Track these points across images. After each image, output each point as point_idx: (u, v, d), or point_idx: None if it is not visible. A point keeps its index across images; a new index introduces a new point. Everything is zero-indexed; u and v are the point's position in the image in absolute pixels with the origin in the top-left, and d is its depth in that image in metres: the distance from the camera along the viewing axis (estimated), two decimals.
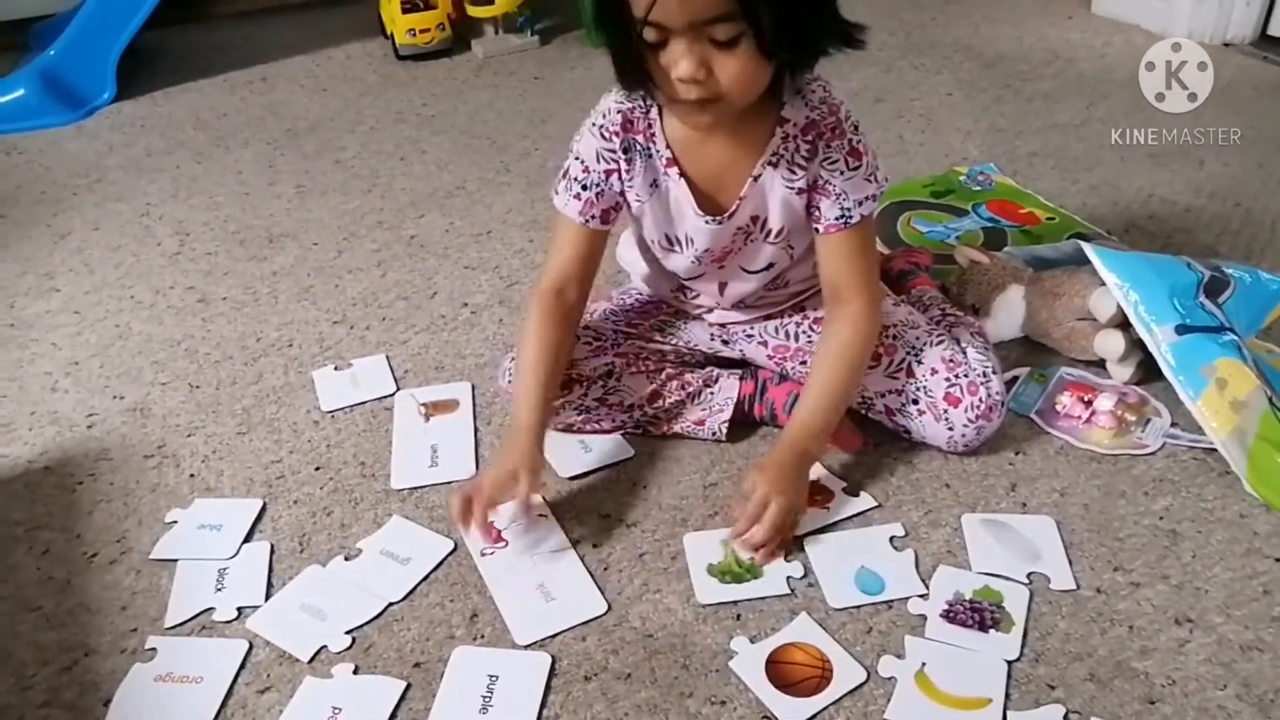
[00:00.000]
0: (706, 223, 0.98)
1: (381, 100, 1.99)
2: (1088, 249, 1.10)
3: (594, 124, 0.98)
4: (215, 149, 1.84)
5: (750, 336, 1.12)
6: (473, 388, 1.18)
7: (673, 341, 1.13)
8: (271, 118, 1.95)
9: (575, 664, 0.85)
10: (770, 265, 1.03)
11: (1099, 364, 1.15)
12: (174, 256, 1.50)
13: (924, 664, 0.84)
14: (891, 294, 1.13)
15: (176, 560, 0.96)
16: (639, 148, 0.98)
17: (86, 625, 0.90)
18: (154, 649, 0.88)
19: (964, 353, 1.04)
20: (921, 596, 0.90)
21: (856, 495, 1.01)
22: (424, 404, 1.15)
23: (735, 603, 0.90)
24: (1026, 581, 0.91)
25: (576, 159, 0.99)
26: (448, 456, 1.07)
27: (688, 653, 0.86)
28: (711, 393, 1.09)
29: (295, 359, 1.25)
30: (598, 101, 0.99)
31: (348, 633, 0.89)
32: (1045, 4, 2.26)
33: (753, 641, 0.86)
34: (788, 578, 0.92)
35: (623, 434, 1.09)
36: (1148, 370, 1.10)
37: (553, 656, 0.86)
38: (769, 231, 1.00)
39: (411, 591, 0.93)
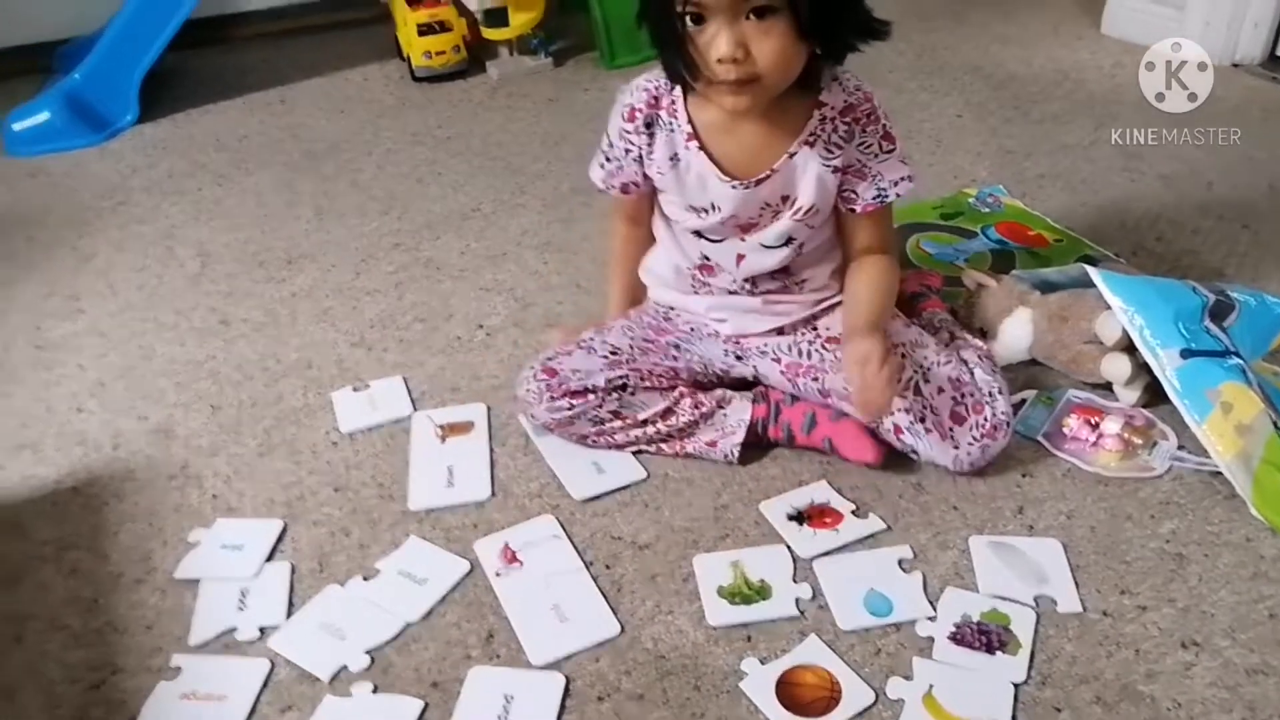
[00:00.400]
0: (734, 188, 1.03)
1: (398, 122, 2.02)
2: (1093, 273, 1.12)
3: (622, 103, 1.07)
4: (235, 171, 1.87)
5: (764, 353, 1.14)
6: (488, 409, 1.20)
7: (686, 359, 1.15)
8: (290, 139, 1.98)
9: (589, 684, 0.87)
10: (789, 240, 1.07)
11: (1106, 387, 1.16)
12: (196, 278, 1.53)
13: (931, 686, 0.85)
14: (902, 315, 1.15)
15: (200, 580, 0.99)
16: (661, 122, 1.04)
17: (114, 644, 0.93)
18: (179, 667, 0.90)
19: (971, 373, 1.06)
20: (929, 619, 0.92)
21: (865, 518, 1.02)
22: (440, 425, 1.17)
23: (746, 624, 0.92)
24: (1033, 604, 0.92)
25: (606, 134, 1.09)
26: (463, 477, 1.10)
27: (699, 674, 0.88)
28: (724, 414, 1.11)
29: (314, 380, 1.28)
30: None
31: (367, 652, 0.91)
32: (1055, 25, 2.28)
33: (763, 663, 0.88)
34: (797, 599, 0.94)
35: (635, 451, 1.11)
36: (1154, 393, 1.12)
37: (567, 677, 0.88)
38: (796, 208, 1.04)
39: (429, 612, 0.95)
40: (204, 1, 2.06)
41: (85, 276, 1.56)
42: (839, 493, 1.05)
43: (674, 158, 1.05)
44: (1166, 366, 1.05)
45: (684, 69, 0.94)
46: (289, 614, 0.95)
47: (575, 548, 1.01)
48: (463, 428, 1.17)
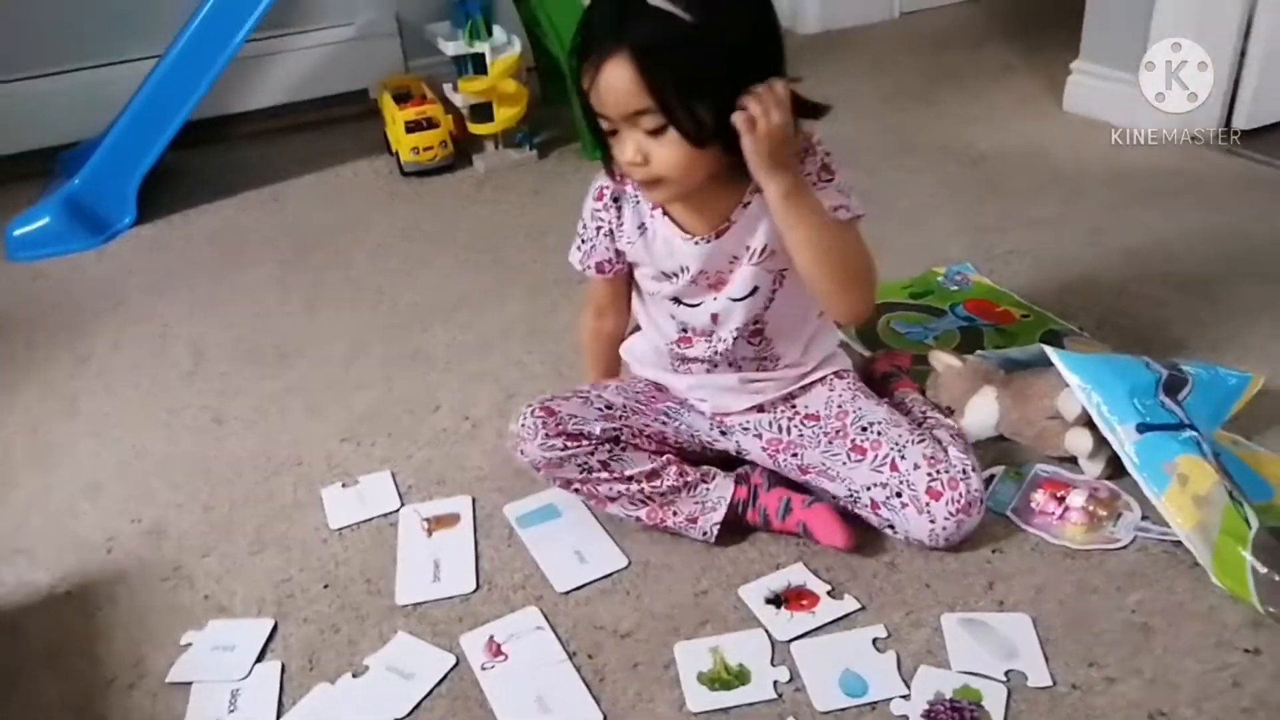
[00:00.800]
0: (696, 244, 1.08)
1: (388, 216, 2.09)
2: (1050, 353, 1.16)
3: (592, 186, 1.15)
4: (230, 267, 1.92)
5: (746, 429, 1.18)
6: (473, 501, 1.23)
7: (675, 425, 1.20)
8: (283, 235, 2.04)
9: None
10: (755, 290, 1.10)
11: (1072, 460, 1.20)
12: (189, 376, 1.58)
13: None
14: (875, 395, 1.19)
15: (191, 683, 1.01)
16: (627, 196, 1.12)
17: None
18: None
19: (945, 451, 1.10)
20: (903, 697, 0.94)
21: (841, 599, 1.05)
22: (426, 519, 1.20)
23: (726, 709, 0.94)
24: (1005, 679, 0.95)
25: (581, 219, 1.16)
26: (449, 571, 1.12)
27: None
28: (707, 488, 1.14)
29: (304, 476, 1.31)
30: None
31: None
32: (1020, 104, 2.36)
33: None
34: (775, 682, 0.96)
35: (617, 508, 1.14)
36: (1119, 466, 1.15)
37: None
38: (752, 252, 1.08)
39: (416, 707, 0.97)
40: (200, 103, 2.14)
41: (82, 378, 1.60)
42: (815, 574, 1.08)
43: (641, 226, 1.12)
44: (1124, 441, 1.09)
45: (611, 166, 1.06)
46: (279, 714, 0.97)
47: (559, 638, 1.03)
48: (448, 520, 1.20)
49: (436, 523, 1.20)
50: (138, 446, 1.41)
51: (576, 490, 1.16)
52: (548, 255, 1.85)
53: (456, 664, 1.01)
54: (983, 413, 1.24)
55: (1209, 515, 1.03)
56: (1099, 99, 2.20)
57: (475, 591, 1.10)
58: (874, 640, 1.00)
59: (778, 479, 1.16)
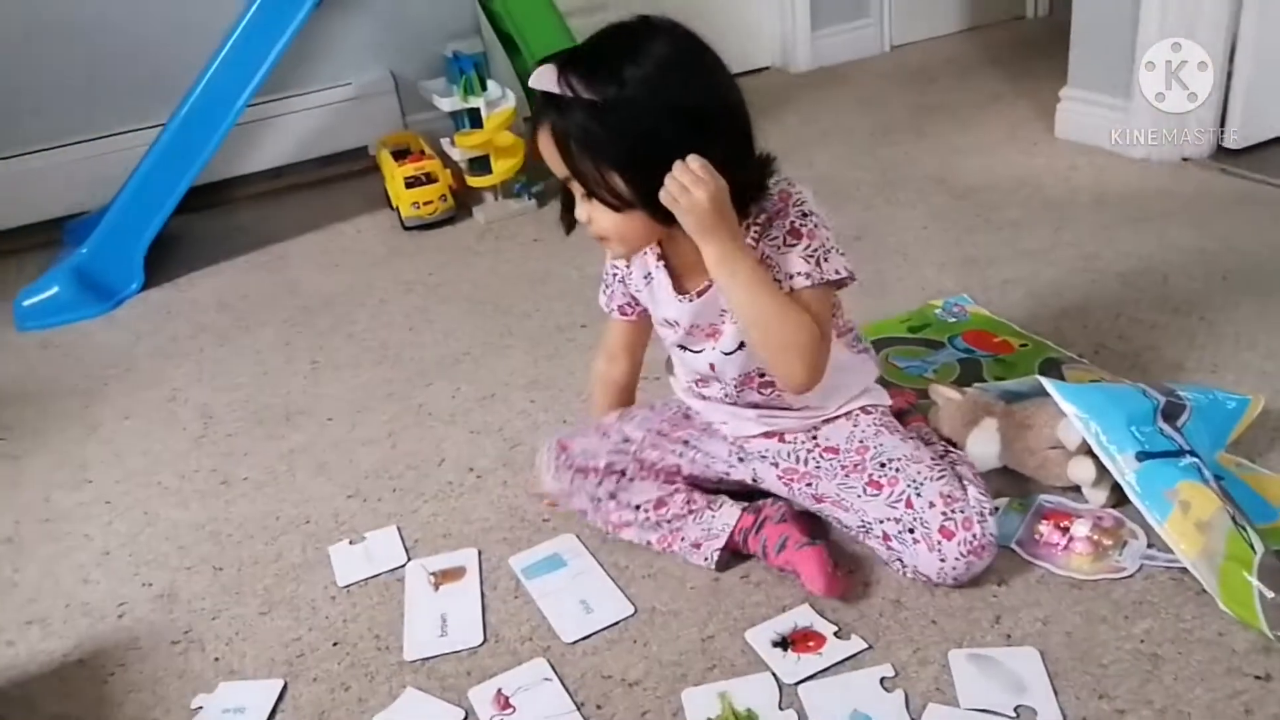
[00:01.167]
0: (680, 301, 1.13)
1: (390, 271, 2.12)
2: (1046, 383, 1.16)
3: None
4: (236, 330, 1.95)
5: (764, 457, 1.20)
6: (479, 553, 1.24)
7: (691, 456, 1.22)
8: (287, 295, 2.07)
9: None
10: (741, 345, 1.12)
11: (1076, 489, 1.20)
12: (198, 440, 1.59)
13: None
14: (902, 430, 1.19)
15: None
16: None
17: None
18: None
19: (965, 490, 1.10)
20: None
21: (847, 639, 1.05)
22: (433, 573, 1.21)
23: None
24: (1014, 715, 0.94)
25: (605, 262, 1.22)
26: (456, 625, 1.13)
27: None
28: (712, 515, 1.17)
29: (312, 535, 1.32)
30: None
31: None
32: (1011, 133, 2.38)
33: None
34: None
35: (628, 534, 1.20)
36: (1122, 493, 1.15)
37: None
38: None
39: None
40: (203, 168, 2.18)
41: (92, 445, 1.62)
42: (821, 615, 1.08)
43: (647, 276, 1.17)
44: (1125, 470, 1.09)
45: (568, 225, 1.12)
46: None
47: (566, 689, 1.03)
48: (455, 574, 1.21)
49: (443, 576, 1.20)
50: (149, 512, 1.43)
51: (589, 519, 1.22)
52: (550, 303, 1.87)
53: (465, 718, 1.01)
54: (984, 445, 1.24)
55: (1213, 541, 1.03)
56: (1089, 125, 2.23)
57: (483, 644, 1.10)
58: (882, 680, 1.00)
59: (791, 514, 1.17)
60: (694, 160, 0.97)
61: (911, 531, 1.08)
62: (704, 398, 1.22)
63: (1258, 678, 0.95)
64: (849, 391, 1.20)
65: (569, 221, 1.11)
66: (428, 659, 1.09)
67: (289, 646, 1.14)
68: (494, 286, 1.98)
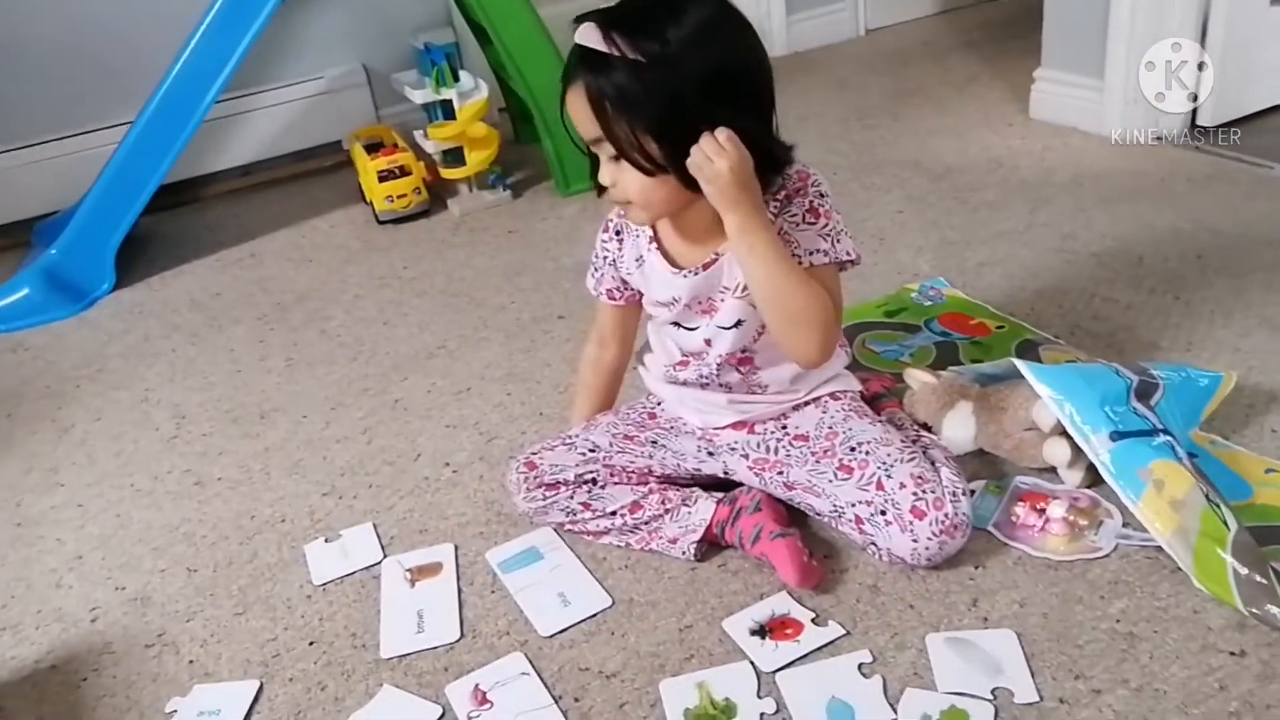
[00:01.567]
0: (685, 276, 1.12)
1: (364, 266, 2.10)
2: (1020, 365, 1.16)
3: (604, 218, 1.22)
4: (209, 329, 1.93)
5: (734, 449, 1.20)
6: (455, 549, 1.23)
7: (661, 455, 1.22)
8: (261, 293, 2.05)
9: None
10: (740, 322, 1.12)
11: (1052, 471, 1.20)
12: (171, 440, 1.58)
13: None
14: (872, 415, 1.19)
15: None
16: (629, 229, 1.18)
17: None
18: None
19: (937, 472, 1.10)
20: None
21: (825, 625, 1.05)
22: (409, 569, 1.20)
23: None
24: (991, 697, 0.94)
25: (595, 246, 1.23)
26: (432, 621, 1.12)
27: None
28: (689, 511, 1.16)
29: (288, 534, 1.31)
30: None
31: None
32: (986, 114, 2.38)
33: None
34: (761, 715, 0.96)
35: (607, 540, 1.19)
36: (1098, 473, 1.15)
37: None
38: (737, 286, 1.11)
39: None
40: (173, 166, 2.15)
41: (64, 448, 1.60)
42: (799, 602, 1.08)
43: (639, 259, 1.17)
44: (1099, 450, 1.09)
45: (599, 188, 1.09)
46: None
47: (544, 683, 1.02)
48: (431, 570, 1.20)
49: (419, 573, 1.20)
50: (121, 515, 1.41)
51: (568, 530, 1.20)
52: (526, 295, 1.86)
53: (443, 715, 1.00)
54: (959, 428, 1.24)
55: (1187, 519, 1.03)
56: (1063, 105, 2.22)
57: (459, 640, 1.10)
58: (859, 666, 0.99)
59: (767, 503, 1.16)
60: (721, 131, 0.97)
61: (883, 513, 1.08)
62: (679, 381, 1.21)
63: (1232, 654, 0.95)
64: (819, 377, 1.19)
65: (602, 185, 1.08)
66: (404, 656, 1.09)
67: (264, 647, 1.13)
68: (469, 279, 1.97)
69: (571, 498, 1.18)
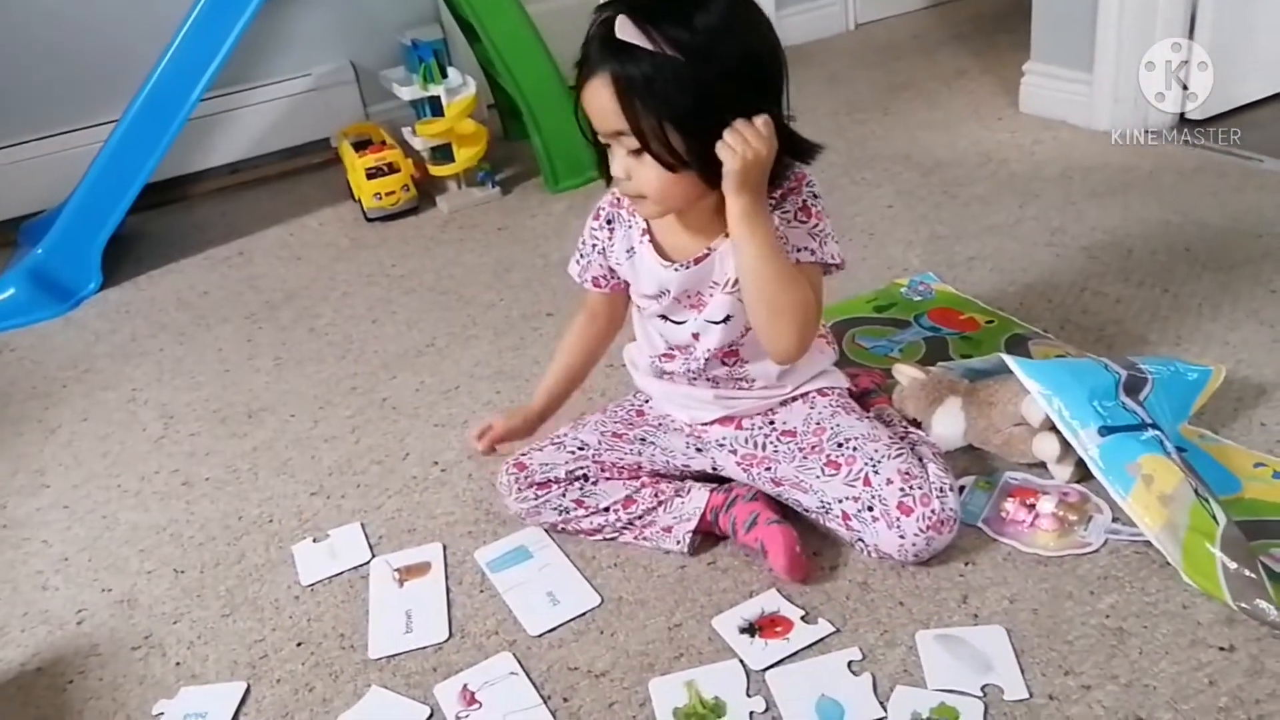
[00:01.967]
0: (675, 270, 1.11)
1: (353, 264, 2.09)
2: (1008, 360, 1.16)
3: (594, 206, 1.20)
4: (197, 328, 1.92)
5: (722, 445, 1.20)
6: (444, 548, 1.22)
7: (650, 452, 1.22)
8: (250, 291, 2.04)
9: None
10: (728, 317, 1.12)
11: (1041, 466, 1.20)
12: (159, 441, 1.57)
13: None
14: (859, 411, 1.19)
15: None
16: (621, 219, 1.17)
17: None
18: None
19: (925, 468, 1.10)
20: None
21: (815, 623, 1.04)
22: (397, 569, 1.19)
23: None
24: (981, 694, 0.94)
25: (582, 235, 1.21)
26: (421, 621, 1.11)
27: None
28: (682, 501, 1.17)
29: (275, 534, 1.30)
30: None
31: None
32: (975, 108, 2.38)
33: None
34: (750, 713, 0.95)
35: (601, 537, 1.18)
36: (1087, 468, 1.15)
37: None
38: (728, 282, 1.10)
39: None
40: (160, 164, 2.14)
41: (50, 449, 1.59)
42: (788, 600, 1.07)
43: (630, 250, 1.16)
44: (1088, 445, 1.09)
45: (608, 179, 1.08)
46: None
47: (533, 683, 1.02)
48: (420, 569, 1.19)
49: (407, 572, 1.19)
50: (108, 516, 1.40)
51: (561, 529, 1.19)
52: (515, 292, 1.85)
53: (431, 715, 1.00)
54: (949, 423, 1.24)
55: (1176, 514, 1.03)
56: (1053, 99, 2.22)
57: (448, 640, 1.09)
58: (849, 663, 0.99)
59: (762, 495, 1.16)
60: (759, 118, 0.97)
61: (870, 510, 1.07)
62: (666, 374, 1.21)
63: (1222, 649, 0.95)
64: (806, 373, 1.19)
65: (611, 175, 1.07)
66: (393, 656, 1.08)
67: (252, 648, 1.13)
68: (458, 276, 1.96)
69: (564, 495, 1.18)
